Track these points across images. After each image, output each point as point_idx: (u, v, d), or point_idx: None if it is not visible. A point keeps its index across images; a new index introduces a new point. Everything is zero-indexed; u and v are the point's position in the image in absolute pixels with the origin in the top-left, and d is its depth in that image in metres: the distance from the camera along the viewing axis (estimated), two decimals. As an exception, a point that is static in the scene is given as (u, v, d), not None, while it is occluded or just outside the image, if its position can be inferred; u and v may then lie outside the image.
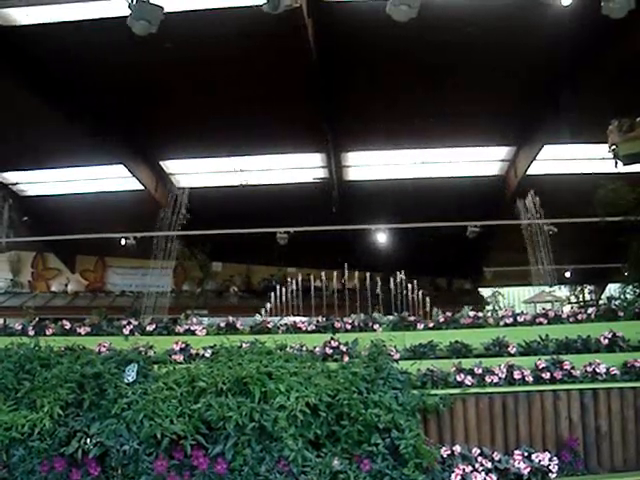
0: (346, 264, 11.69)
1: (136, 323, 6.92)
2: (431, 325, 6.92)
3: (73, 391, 5.21)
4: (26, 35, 10.66)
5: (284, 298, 11.28)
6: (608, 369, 5.95)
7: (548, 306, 11.26)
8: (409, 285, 10.74)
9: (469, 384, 5.80)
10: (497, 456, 5.45)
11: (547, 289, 13.14)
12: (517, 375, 5.87)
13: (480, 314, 7.14)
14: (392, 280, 11.12)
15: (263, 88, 12.33)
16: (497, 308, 9.56)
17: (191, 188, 14.47)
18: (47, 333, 6.76)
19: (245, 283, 20.58)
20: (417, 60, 11.52)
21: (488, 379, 5.84)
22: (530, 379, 5.86)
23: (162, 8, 6.74)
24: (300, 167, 16.29)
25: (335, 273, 12.06)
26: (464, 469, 5.23)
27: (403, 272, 11.14)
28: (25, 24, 10.49)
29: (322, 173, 16.48)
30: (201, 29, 10.49)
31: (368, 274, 12.03)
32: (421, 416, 5.52)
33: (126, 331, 6.76)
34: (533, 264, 13.38)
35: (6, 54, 10.94)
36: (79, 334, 6.77)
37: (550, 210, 13.00)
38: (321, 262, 14.61)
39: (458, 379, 5.83)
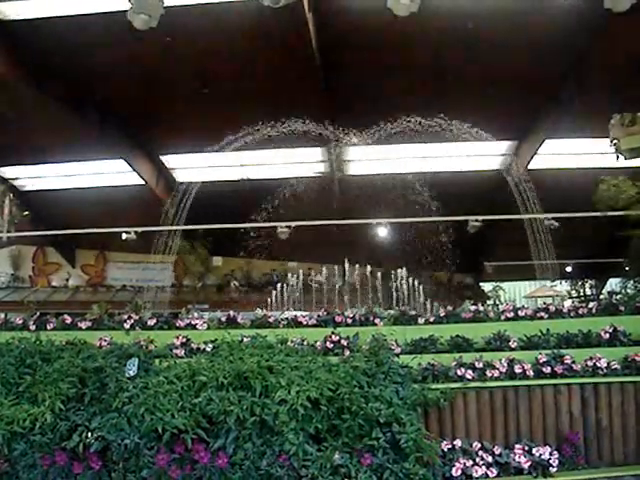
0: (347, 259, 11.69)
1: (137, 317, 6.92)
2: (432, 319, 6.92)
3: (74, 385, 5.21)
4: (27, 29, 10.63)
5: (285, 293, 11.29)
6: (609, 363, 5.95)
7: (549, 301, 11.25)
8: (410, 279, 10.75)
9: (470, 378, 5.80)
10: (498, 450, 5.47)
11: (548, 284, 13.12)
12: (518, 369, 5.87)
13: (481, 308, 7.13)
14: (393, 274, 11.12)
15: (263, 82, 12.31)
16: (498, 302, 9.55)
17: (191, 182, 14.44)
18: (48, 327, 6.78)
19: (246, 277, 20.60)
20: (418, 54, 11.49)
21: (489, 373, 5.85)
22: (531, 373, 5.87)
23: (162, 2, 6.70)
24: (301, 161, 16.27)
25: (336, 268, 12.06)
26: (465, 463, 5.25)
27: (404, 267, 11.15)
28: (25, 18, 10.45)
29: (323, 167, 16.46)
30: (201, 24, 10.47)
31: (369, 269, 12.02)
32: (422, 410, 5.53)
33: (127, 325, 6.77)
34: (534, 259, 13.35)
35: (7, 48, 10.91)
36: (80, 328, 6.79)
37: (551, 205, 12.98)
38: (322, 256, 14.60)
39: (459, 373, 5.83)
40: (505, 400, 5.80)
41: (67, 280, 21.13)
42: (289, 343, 6.24)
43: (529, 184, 11.92)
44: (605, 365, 5.94)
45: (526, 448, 5.49)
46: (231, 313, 7.04)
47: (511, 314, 6.89)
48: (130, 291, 20.12)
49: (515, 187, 13.20)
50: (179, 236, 13.52)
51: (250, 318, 7.08)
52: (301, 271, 11.67)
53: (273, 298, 11.68)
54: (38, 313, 7.26)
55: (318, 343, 6.32)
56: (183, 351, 6.20)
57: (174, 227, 12.88)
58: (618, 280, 15.74)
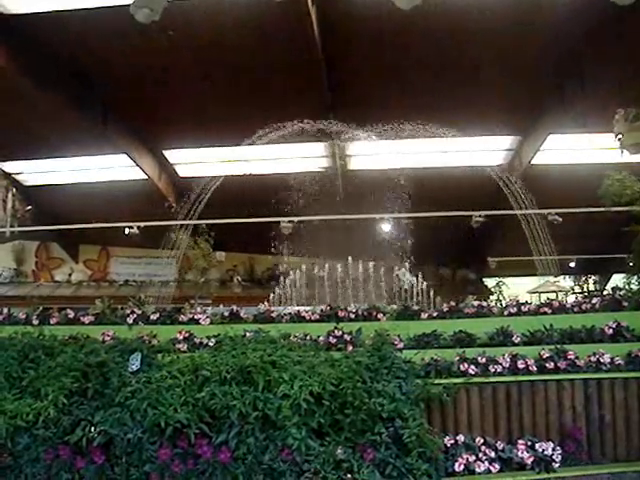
0: (350, 254, 11.68)
1: (140, 312, 6.92)
2: (435, 315, 6.91)
3: (77, 380, 5.22)
4: (28, 23, 10.61)
5: (287, 287, 11.30)
6: (612, 359, 5.94)
7: (552, 296, 11.23)
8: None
9: (473, 374, 5.80)
10: (500, 445, 5.47)
11: (552, 279, 13.09)
12: (521, 365, 5.86)
13: (484, 304, 7.11)
14: (396, 270, 11.11)
15: (266, 76, 12.26)
16: (501, 298, 9.53)
17: (195, 177, 14.42)
18: (51, 322, 6.78)
19: (248, 272, 20.60)
20: (421, 49, 11.44)
21: (492, 369, 5.84)
22: (534, 369, 5.86)
23: (165, -5, 6.67)
24: (304, 156, 16.24)
25: (339, 263, 12.04)
26: (467, 458, 5.25)
27: (407, 262, 11.14)
28: (27, 12, 10.42)
29: (326, 162, 16.43)
30: (203, 17, 10.43)
31: (372, 264, 11.99)
32: (425, 405, 5.53)
33: (130, 320, 6.77)
34: (537, 254, 13.31)
35: (8, 42, 10.89)
36: (83, 323, 6.79)
37: (554, 200, 12.95)
38: (324, 251, 14.59)
39: (462, 368, 5.82)
40: (508, 395, 5.80)
41: (70, 275, 21.17)
42: (292, 338, 6.24)
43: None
44: (608, 361, 5.93)
45: (529, 443, 5.48)
46: (234, 308, 7.04)
47: (514, 309, 6.88)
48: (133, 286, 20.15)
49: (518, 183, 13.17)
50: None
51: (253, 313, 7.08)
52: (304, 266, 11.66)
53: (276, 293, 11.68)
54: (41, 308, 7.27)
55: (321, 338, 6.32)
56: (186, 346, 6.20)
57: (176, 222, 12.87)
58: (622, 276, 15.69)
